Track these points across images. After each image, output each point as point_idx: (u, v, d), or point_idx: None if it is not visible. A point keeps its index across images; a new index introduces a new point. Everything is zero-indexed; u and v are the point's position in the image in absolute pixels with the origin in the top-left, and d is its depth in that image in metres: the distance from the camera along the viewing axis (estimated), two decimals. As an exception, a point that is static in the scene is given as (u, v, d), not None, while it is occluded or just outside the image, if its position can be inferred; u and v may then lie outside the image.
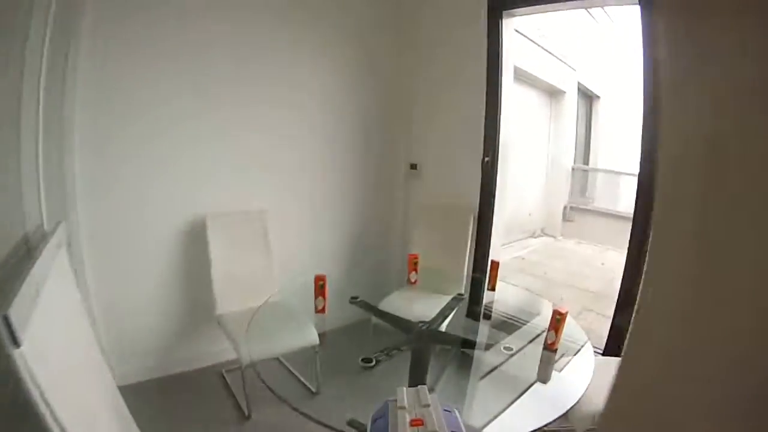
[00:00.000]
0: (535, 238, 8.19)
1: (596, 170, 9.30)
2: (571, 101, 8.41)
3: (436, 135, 3.42)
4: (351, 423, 1.40)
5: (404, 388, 1.01)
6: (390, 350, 1.87)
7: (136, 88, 2.44)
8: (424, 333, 2.02)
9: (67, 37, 2.02)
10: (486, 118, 3.01)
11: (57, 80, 1.98)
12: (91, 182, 2.36)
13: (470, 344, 2.14)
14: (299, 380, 2.44)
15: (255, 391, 2.40)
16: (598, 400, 1.89)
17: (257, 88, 2.86)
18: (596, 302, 5.03)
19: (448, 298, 2.49)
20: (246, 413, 2.43)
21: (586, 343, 1.98)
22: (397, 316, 2.21)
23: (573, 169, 8.90)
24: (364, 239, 3.65)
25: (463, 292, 2.77)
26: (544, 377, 1.91)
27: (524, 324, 2.65)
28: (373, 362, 1.78)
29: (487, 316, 2.95)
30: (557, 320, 1.89)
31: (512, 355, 1.94)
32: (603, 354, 2.76)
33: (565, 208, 8.66)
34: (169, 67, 2.52)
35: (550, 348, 1.91)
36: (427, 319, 2.19)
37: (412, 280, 2.70)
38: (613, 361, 2.26)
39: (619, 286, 2.62)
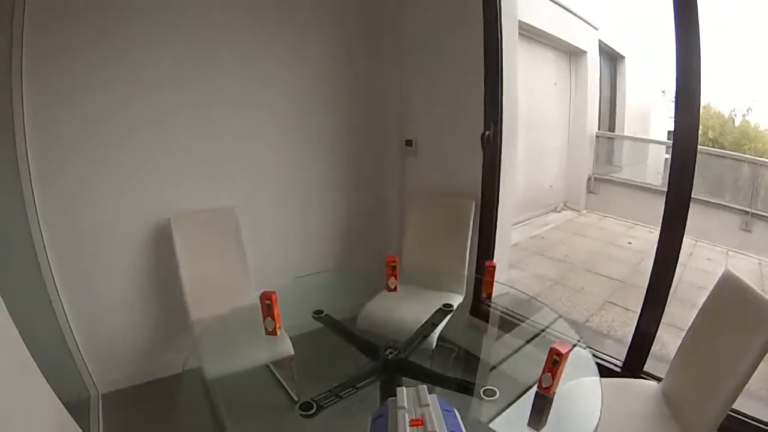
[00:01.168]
0: (557, 212, 7.72)
1: (622, 137, 8.71)
2: (593, 62, 7.84)
3: (433, 106, 2.96)
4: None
5: (404, 388, 1.01)
6: (341, 389, 1.45)
7: (97, 88, 2.28)
8: (391, 363, 1.59)
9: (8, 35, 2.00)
10: (485, 85, 2.55)
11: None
12: (51, 190, 2.25)
13: (448, 383, 1.64)
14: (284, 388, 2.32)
15: (234, 402, 2.25)
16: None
17: (228, 66, 2.62)
18: (621, 293, 4.54)
19: (443, 300, 2.16)
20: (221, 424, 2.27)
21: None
22: (362, 339, 1.81)
23: (597, 136, 8.32)
24: (356, 230, 3.32)
25: (463, 291, 2.54)
26: (536, 425, 1.56)
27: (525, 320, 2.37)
28: (314, 409, 1.38)
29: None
30: (554, 362, 1.49)
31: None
32: (621, 369, 2.36)
33: (589, 179, 8.15)
34: (130, 66, 2.35)
35: (545, 392, 1.52)
36: (409, 335, 1.80)
37: (391, 287, 2.33)
38: (631, 386, 1.93)
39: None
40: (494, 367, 2.37)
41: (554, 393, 1.55)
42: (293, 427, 1.90)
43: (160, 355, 2.68)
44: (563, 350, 1.49)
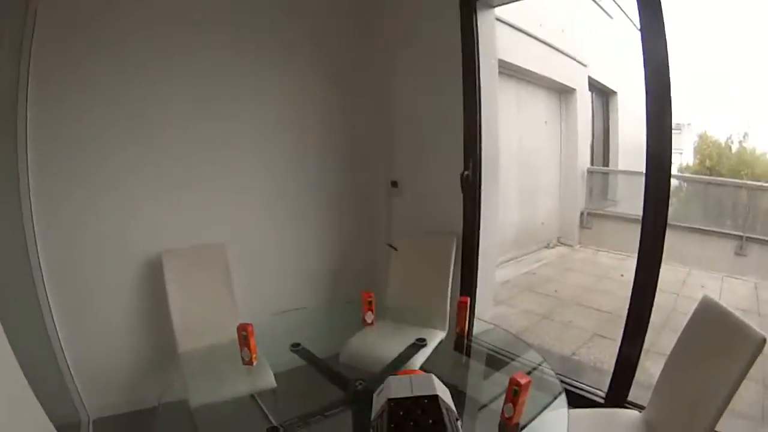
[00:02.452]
0: (550, 248, 7.72)
1: (616, 172, 8.77)
2: (584, 99, 7.97)
3: (418, 148, 3.06)
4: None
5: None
6: (309, 416, 1.50)
7: (88, 127, 2.39)
8: (360, 393, 1.63)
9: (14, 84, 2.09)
10: (464, 125, 2.65)
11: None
12: (51, 221, 2.34)
13: None
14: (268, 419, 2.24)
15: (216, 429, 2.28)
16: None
17: (215, 113, 2.73)
18: (609, 325, 4.50)
19: (424, 336, 2.22)
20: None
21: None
22: (333, 371, 1.86)
23: (589, 171, 8.40)
24: (342, 267, 3.36)
25: (445, 327, 2.56)
26: None
27: (514, 359, 2.37)
28: (279, 434, 1.43)
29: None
30: (515, 392, 1.53)
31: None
32: (605, 400, 2.37)
33: (582, 214, 8.17)
34: (122, 102, 2.45)
35: (507, 423, 1.55)
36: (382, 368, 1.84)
37: (368, 321, 2.37)
38: (614, 416, 1.94)
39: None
40: (484, 406, 2.39)
41: (518, 424, 1.57)
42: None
43: (149, 383, 2.68)
44: (522, 381, 1.51)
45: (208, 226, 2.76)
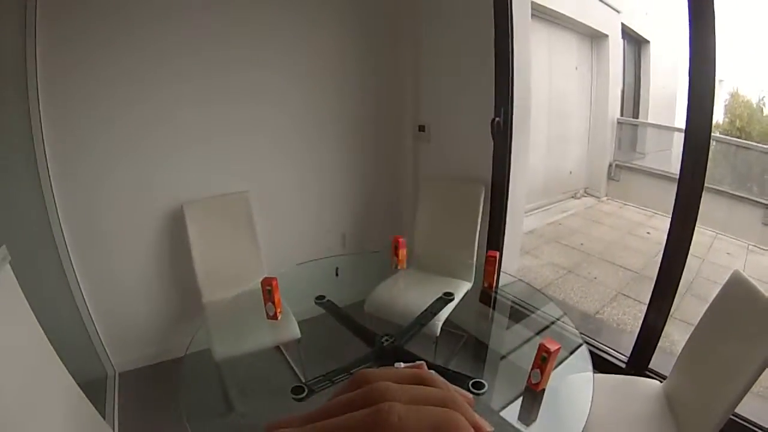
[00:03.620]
0: (577, 198, 7.53)
1: (646, 124, 8.43)
2: (616, 46, 7.58)
3: (446, 92, 2.91)
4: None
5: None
6: (335, 374, 1.47)
7: (113, 85, 2.31)
8: (386, 350, 1.59)
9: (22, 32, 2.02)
10: (495, 71, 2.49)
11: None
12: (69, 179, 2.30)
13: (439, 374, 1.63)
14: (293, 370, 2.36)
15: (243, 382, 2.36)
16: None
17: (240, 52, 2.61)
18: (635, 285, 4.34)
19: (451, 287, 2.15)
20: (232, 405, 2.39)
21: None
22: (360, 325, 1.81)
23: (619, 122, 8.10)
24: (369, 215, 3.31)
25: (472, 278, 2.51)
26: (527, 419, 1.54)
27: (544, 317, 2.34)
28: (305, 392, 1.40)
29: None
30: (543, 359, 1.47)
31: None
32: (626, 365, 2.31)
33: (610, 165, 7.93)
34: (144, 62, 2.37)
35: (534, 388, 1.51)
36: (408, 322, 1.79)
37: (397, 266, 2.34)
38: (634, 385, 1.90)
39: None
40: (504, 357, 2.37)
41: (544, 389, 1.54)
42: (299, 408, 1.93)
43: (174, 335, 2.74)
44: (552, 347, 1.48)
45: (230, 177, 2.71)
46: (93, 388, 2.31)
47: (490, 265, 2.15)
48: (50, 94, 2.14)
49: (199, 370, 2.31)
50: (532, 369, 1.53)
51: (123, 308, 2.62)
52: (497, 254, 2.16)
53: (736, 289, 1.58)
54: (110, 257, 2.51)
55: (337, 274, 2.51)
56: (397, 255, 2.32)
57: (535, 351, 1.53)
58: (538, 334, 2.15)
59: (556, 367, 1.59)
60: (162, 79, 2.42)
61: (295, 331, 2.19)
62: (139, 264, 2.61)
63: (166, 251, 2.64)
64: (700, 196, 1.93)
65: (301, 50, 2.78)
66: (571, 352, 1.76)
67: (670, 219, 2.03)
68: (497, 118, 2.49)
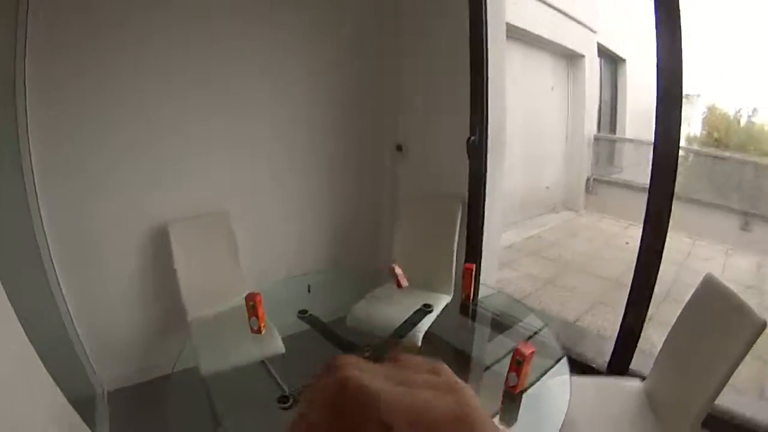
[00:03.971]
0: (556, 213, 7.70)
1: (623, 140, 8.68)
2: (592, 65, 7.83)
3: (424, 112, 3.02)
4: None
5: None
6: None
7: (103, 100, 2.34)
8: (368, 360, 1.64)
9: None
10: (471, 91, 2.60)
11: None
12: (53, 195, 2.30)
13: None
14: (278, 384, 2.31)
15: (230, 397, 2.35)
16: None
17: (213, 81, 2.65)
18: (613, 293, 4.43)
19: (431, 300, 2.23)
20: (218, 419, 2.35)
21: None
22: (342, 338, 1.88)
23: (596, 138, 8.33)
24: (349, 232, 3.37)
25: (451, 291, 2.59)
26: (507, 421, 1.60)
27: (523, 325, 2.41)
28: (290, 401, 1.46)
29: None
30: (518, 363, 1.55)
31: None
32: (607, 368, 2.39)
33: (588, 180, 8.14)
34: (133, 78, 2.40)
35: (512, 391, 1.59)
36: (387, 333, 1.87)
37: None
38: (615, 385, 1.96)
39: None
40: (488, 367, 2.44)
41: (522, 392, 1.60)
42: (285, 419, 1.97)
43: (161, 353, 2.70)
44: (526, 351, 1.55)
45: (214, 195, 2.75)
46: (83, 407, 2.32)
47: (467, 277, 2.21)
48: (39, 107, 2.16)
49: (187, 386, 2.34)
50: (508, 372, 1.59)
51: (110, 326, 2.62)
52: (473, 266, 2.22)
53: (709, 290, 1.68)
54: (97, 275, 2.52)
55: (309, 291, 2.56)
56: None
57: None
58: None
59: (541, 375, 1.68)
60: (150, 97, 2.45)
61: (279, 346, 2.24)
62: (126, 282, 2.62)
63: (152, 268, 2.65)
64: (671, 204, 2.03)
65: (283, 69, 2.84)
66: (557, 361, 1.82)
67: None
68: (473, 137, 2.58)
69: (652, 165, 2.03)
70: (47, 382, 1.52)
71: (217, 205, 2.71)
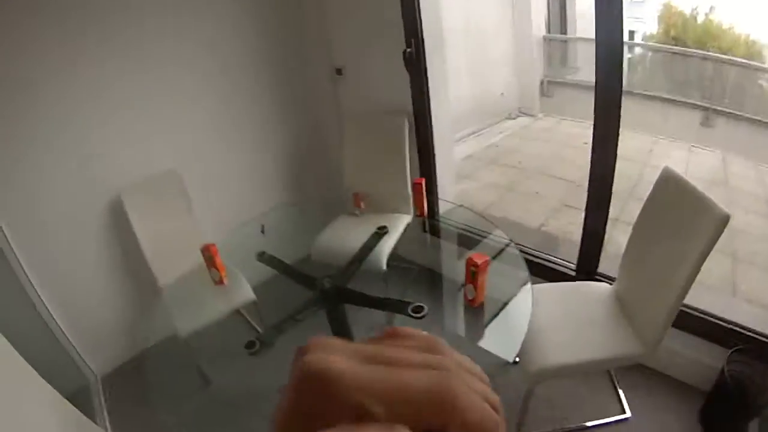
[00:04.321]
0: (512, 119, 7.62)
1: (575, 39, 8.51)
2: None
3: (357, 32, 2.86)
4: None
5: None
6: (282, 323, 1.52)
7: (31, 65, 2.14)
8: (329, 292, 1.63)
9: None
10: (402, 2, 2.45)
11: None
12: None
13: (381, 304, 1.61)
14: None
15: (212, 353, 2.44)
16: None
17: (135, 34, 2.44)
18: (577, 194, 4.30)
19: (391, 222, 2.22)
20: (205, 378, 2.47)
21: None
22: (300, 272, 1.85)
23: (546, 39, 8.16)
24: (299, 164, 3.31)
25: (410, 210, 2.55)
26: (474, 337, 1.62)
27: (485, 236, 2.42)
28: (257, 346, 1.45)
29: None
30: (472, 273, 1.54)
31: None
32: (575, 272, 2.42)
33: (542, 83, 8.06)
34: (56, 38, 2.18)
35: (471, 305, 1.58)
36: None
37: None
38: (585, 289, 1.98)
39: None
40: (463, 285, 2.47)
41: (483, 303, 1.60)
42: (270, 362, 2.00)
43: (145, 325, 2.71)
44: (480, 261, 1.53)
45: (161, 155, 2.64)
46: (80, 398, 2.32)
47: (418, 193, 2.18)
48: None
49: (173, 351, 2.36)
50: (465, 285, 1.58)
51: (90, 311, 2.57)
52: (423, 181, 2.19)
53: (668, 185, 1.63)
54: (65, 264, 2.44)
55: (263, 231, 2.52)
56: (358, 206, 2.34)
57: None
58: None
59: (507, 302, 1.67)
60: (88, 56, 2.29)
61: (248, 293, 2.25)
62: (94, 262, 2.55)
63: (114, 242, 2.58)
64: (620, 101, 1.97)
65: (205, 15, 2.66)
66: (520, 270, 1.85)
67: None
68: (408, 49, 2.48)
69: (596, 61, 1.95)
70: (38, 382, 1.52)
71: (164, 165, 2.59)
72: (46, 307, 2.37)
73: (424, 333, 0.26)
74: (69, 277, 2.47)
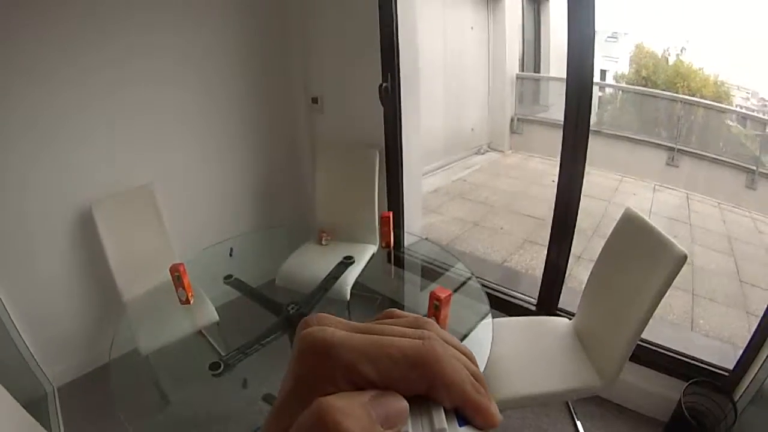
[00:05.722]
0: (481, 154, 7.79)
1: (547, 78, 8.76)
2: (513, 4, 7.80)
3: (335, 63, 2.95)
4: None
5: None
6: (246, 347, 1.56)
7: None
8: (293, 318, 1.69)
9: None
10: (381, 37, 2.55)
11: None
12: None
13: None
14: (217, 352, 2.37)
15: (173, 372, 2.44)
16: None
17: (120, 50, 2.45)
18: (542, 231, 4.39)
19: (357, 251, 2.28)
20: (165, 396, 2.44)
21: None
22: (267, 298, 1.88)
23: (519, 77, 8.42)
24: (271, 190, 3.33)
25: (376, 241, 2.62)
26: None
27: (448, 269, 2.49)
28: (221, 368, 1.49)
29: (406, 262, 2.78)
30: (435, 306, 1.61)
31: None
32: (536, 307, 2.50)
33: (512, 120, 8.26)
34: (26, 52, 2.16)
35: None
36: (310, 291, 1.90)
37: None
38: (545, 324, 2.04)
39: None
40: (425, 317, 2.52)
41: None
42: (230, 383, 2.01)
43: (106, 339, 2.60)
44: (443, 295, 1.59)
45: (134, 169, 2.63)
46: (35, 408, 2.28)
47: (385, 225, 2.23)
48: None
49: (133, 368, 2.33)
50: (427, 317, 1.64)
51: (52, 322, 2.52)
52: (390, 214, 2.25)
53: (629, 225, 1.72)
54: (31, 274, 2.41)
55: (231, 254, 2.55)
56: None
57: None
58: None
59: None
60: (63, 70, 2.27)
61: (212, 314, 2.25)
62: (60, 274, 2.52)
63: (81, 253, 2.55)
64: (587, 139, 2.06)
65: (189, 37, 2.70)
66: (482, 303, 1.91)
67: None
68: (384, 84, 2.56)
69: (566, 100, 2.04)
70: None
71: (136, 180, 2.60)
72: (7, 312, 2.33)
73: (417, 315, 0.29)
74: (35, 288, 2.44)
